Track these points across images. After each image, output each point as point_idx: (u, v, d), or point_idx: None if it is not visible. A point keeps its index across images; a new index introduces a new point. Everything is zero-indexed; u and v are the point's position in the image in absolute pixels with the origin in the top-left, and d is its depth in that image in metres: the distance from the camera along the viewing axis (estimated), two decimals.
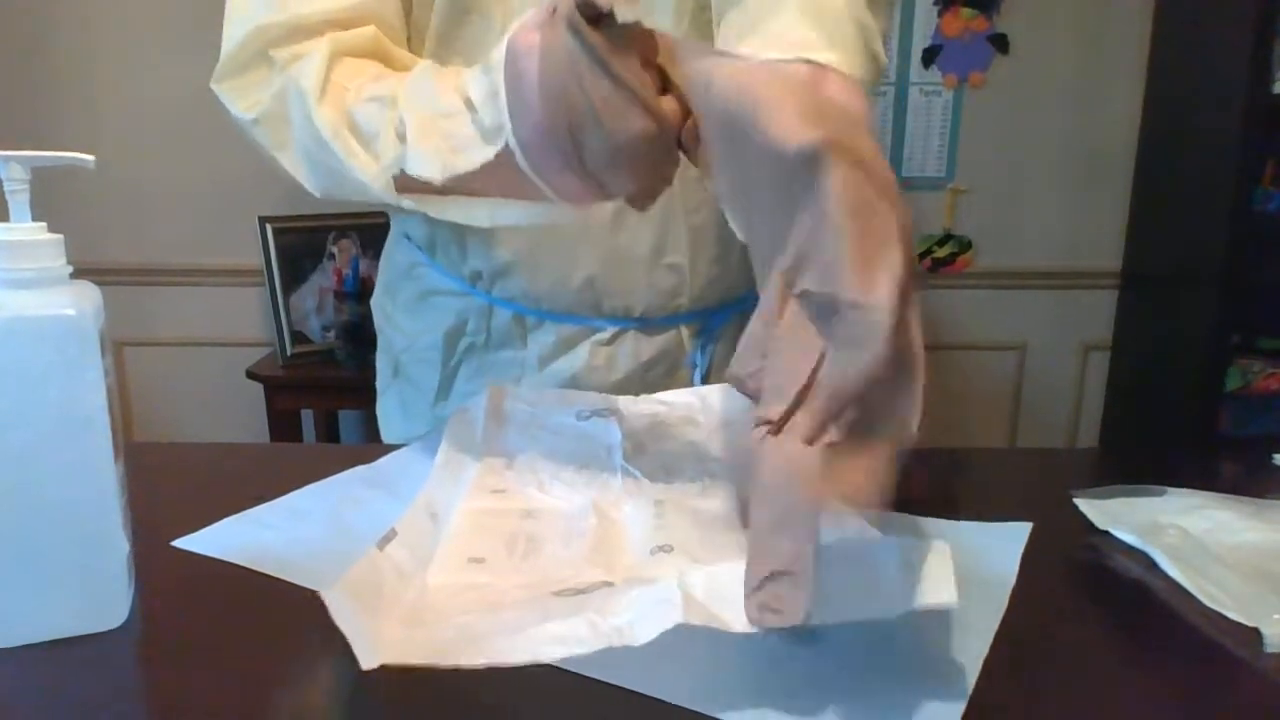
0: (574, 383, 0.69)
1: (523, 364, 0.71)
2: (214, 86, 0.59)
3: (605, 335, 0.70)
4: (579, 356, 0.70)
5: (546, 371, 0.71)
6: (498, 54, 0.45)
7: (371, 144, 0.54)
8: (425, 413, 0.76)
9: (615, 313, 0.69)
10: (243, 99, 0.59)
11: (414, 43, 0.65)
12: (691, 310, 0.70)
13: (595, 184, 0.46)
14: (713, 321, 0.71)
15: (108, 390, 0.40)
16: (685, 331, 0.71)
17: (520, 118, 0.44)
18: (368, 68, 0.58)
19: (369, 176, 0.53)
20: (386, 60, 0.61)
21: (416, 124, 0.50)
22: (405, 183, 0.51)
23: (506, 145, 0.45)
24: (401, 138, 0.51)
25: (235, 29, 0.59)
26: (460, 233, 0.69)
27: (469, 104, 0.48)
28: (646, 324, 0.70)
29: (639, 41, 0.43)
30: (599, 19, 0.41)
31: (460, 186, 0.49)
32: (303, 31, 0.58)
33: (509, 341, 0.72)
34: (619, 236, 0.66)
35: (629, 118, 0.42)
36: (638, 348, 0.70)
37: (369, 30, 0.59)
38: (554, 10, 0.42)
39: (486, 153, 0.47)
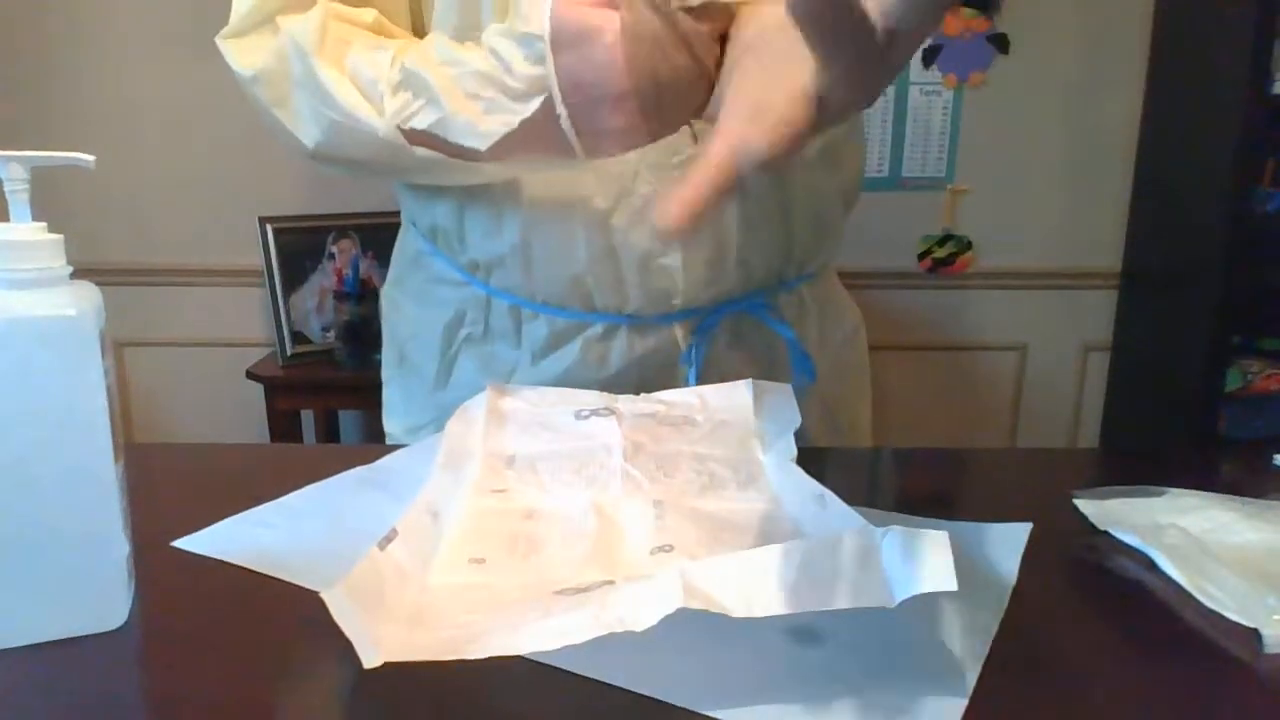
0: (567, 377, 0.70)
1: (517, 357, 0.72)
2: (218, 41, 0.62)
3: (598, 331, 0.70)
4: (572, 351, 0.70)
5: (540, 365, 0.71)
6: (540, 24, 0.50)
7: (371, 90, 0.58)
8: (426, 400, 0.77)
9: (608, 309, 0.69)
10: (244, 56, 0.62)
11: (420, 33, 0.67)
12: (685, 309, 0.70)
13: (646, 137, 0.53)
14: (707, 320, 0.71)
15: (108, 391, 0.40)
16: (679, 330, 0.71)
17: (583, 87, 0.50)
18: (363, 33, 0.62)
19: (377, 123, 0.57)
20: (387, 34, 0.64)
21: (445, 87, 0.55)
22: (414, 136, 0.56)
23: (544, 108, 0.52)
24: (400, 87, 0.57)
25: None
26: (459, 222, 0.70)
27: (504, 67, 0.53)
28: (639, 321, 0.70)
29: (718, 16, 0.50)
30: None
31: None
32: (304, 2, 0.61)
33: (504, 334, 0.72)
34: (611, 237, 0.66)
35: (698, 89, 0.50)
36: (630, 344, 0.70)
37: (370, 12, 0.63)
38: None
39: (526, 109, 0.53)
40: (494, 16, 0.63)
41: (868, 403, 0.87)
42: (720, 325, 0.72)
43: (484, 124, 0.54)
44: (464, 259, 0.72)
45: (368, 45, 0.60)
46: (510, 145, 0.54)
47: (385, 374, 0.84)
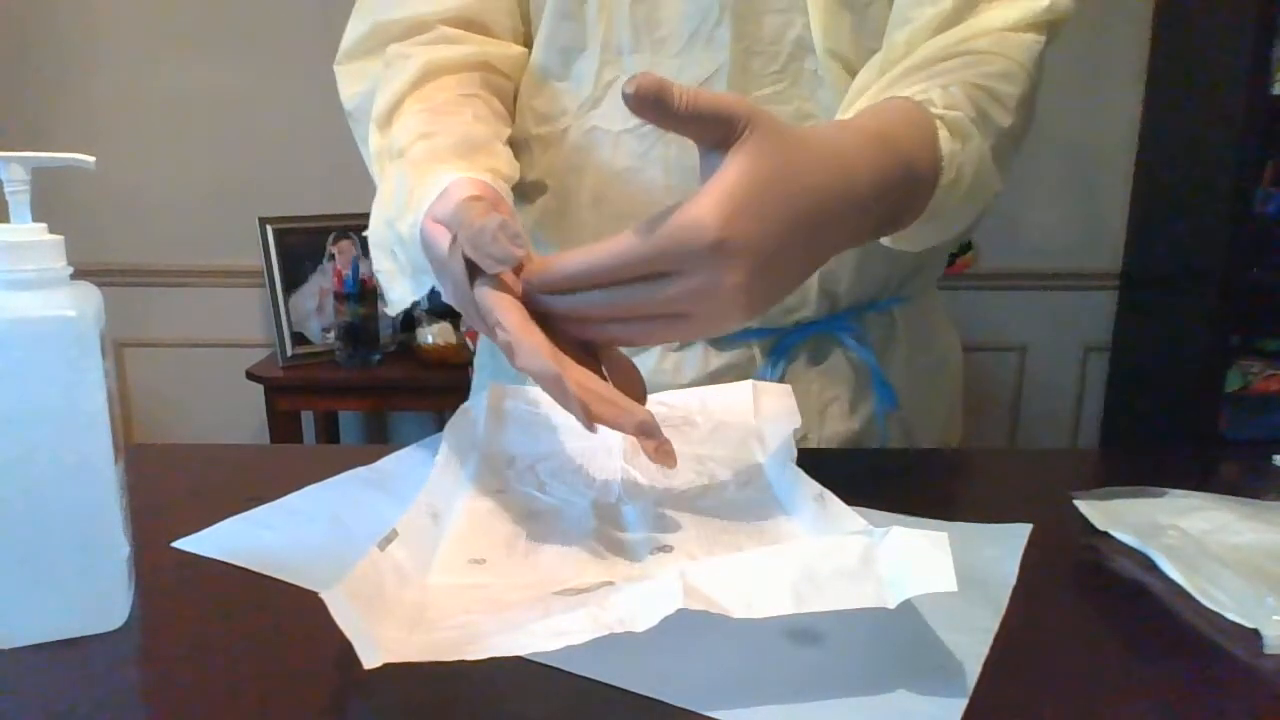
0: None
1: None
2: (335, 68, 0.67)
3: (675, 342, 0.70)
4: (649, 359, 0.70)
5: None
6: (414, 230, 0.53)
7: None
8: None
9: None
10: (350, 85, 0.66)
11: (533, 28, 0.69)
12: (763, 329, 0.70)
13: None
14: (786, 340, 0.71)
15: (108, 391, 0.40)
16: (756, 348, 0.71)
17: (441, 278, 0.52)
18: (450, 88, 0.62)
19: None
20: (488, 67, 0.65)
21: (377, 238, 0.59)
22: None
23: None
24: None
25: (360, 21, 0.65)
26: (537, 237, 0.72)
27: (400, 250, 0.57)
28: (717, 338, 0.70)
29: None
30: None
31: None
32: (418, 27, 0.64)
33: None
34: None
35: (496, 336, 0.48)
36: (707, 358, 0.70)
37: (470, 48, 0.64)
38: (454, 239, 0.48)
39: (409, 297, 0.58)
40: (599, 28, 0.64)
41: (956, 431, 0.84)
42: (799, 345, 0.72)
43: (394, 291, 0.59)
44: None
45: (395, 141, 0.60)
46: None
47: (477, 360, 0.85)
